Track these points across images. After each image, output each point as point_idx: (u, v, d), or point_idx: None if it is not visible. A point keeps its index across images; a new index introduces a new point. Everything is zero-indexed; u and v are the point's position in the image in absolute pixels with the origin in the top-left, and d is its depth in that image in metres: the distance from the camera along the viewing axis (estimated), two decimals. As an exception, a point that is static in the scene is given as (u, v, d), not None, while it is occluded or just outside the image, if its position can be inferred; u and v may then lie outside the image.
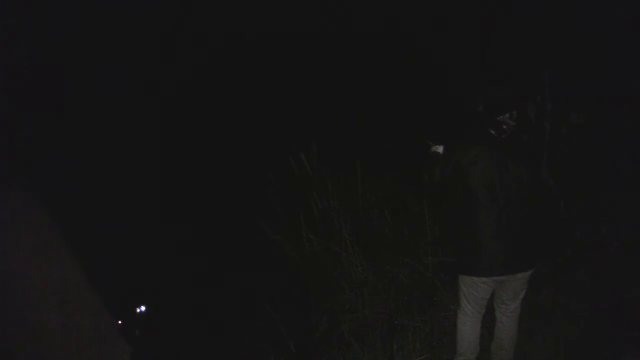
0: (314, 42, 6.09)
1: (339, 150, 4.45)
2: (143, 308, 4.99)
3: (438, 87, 4.92)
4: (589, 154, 3.79)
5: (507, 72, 3.96)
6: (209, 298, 4.53)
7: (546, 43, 4.34)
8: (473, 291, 2.69)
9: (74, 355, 1.34)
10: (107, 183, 5.45)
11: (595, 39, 3.99)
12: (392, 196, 4.40)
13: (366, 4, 6.05)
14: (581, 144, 3.79)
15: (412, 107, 5.01)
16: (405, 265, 3.93)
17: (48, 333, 1.30)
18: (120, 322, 4.69)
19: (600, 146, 3.81)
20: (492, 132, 2.51)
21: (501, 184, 2.50)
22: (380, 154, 4.64)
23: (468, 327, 2.80)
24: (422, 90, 5.12)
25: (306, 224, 4.31)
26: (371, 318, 3.62)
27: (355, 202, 4.38)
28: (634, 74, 3.76)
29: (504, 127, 2.49)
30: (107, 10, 5.87)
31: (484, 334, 2.91)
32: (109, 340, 1.43)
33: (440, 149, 2.82)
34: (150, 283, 4.95)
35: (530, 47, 4.38)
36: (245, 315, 4.17)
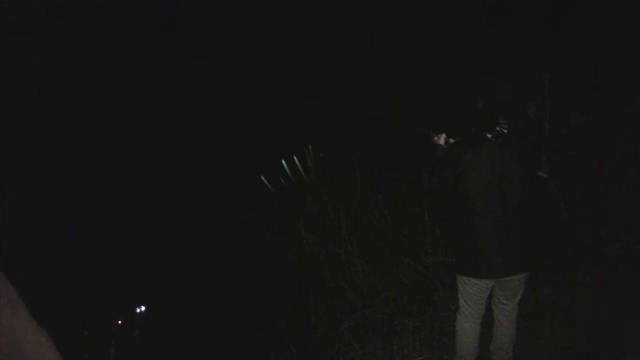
0: (311, 40, 6.07)
1: (338, 149, 4.45)
2: (143, 308, 4.98)
3: (438, 85, 4.90)
4: (589, 154, 3.79)
5: (507, 72, 3.95)
6: (209, 298, 4.53)
7: (546, 43, 4.34)
8: (471, 291, 2.69)
9: None
10: (104, 185, 5.45)
11: (596, 39, 3.99)
12: (392, 196, 4.39)
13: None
14: (581, 144, 3.79)
15: (413, 106, 4.99)
16: (405, 265, 3.93)
17: None
18: (120, 322, 4.70)
19: (600, 146, 3.80)
20: (489, 135, 2.51)
21: (499, 187, 2.51)
22: (380, 153, 4.64)
23: (467, 329, 2.79)
24: (422, 89, 5.10)
25: (306, 224, 4.31)
26: (371, 318, 3.62)
27: (355, 202, 4.37)
28: (634, 74, 3.76)
29: (498, 129, 2.49)
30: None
31: (483, 334, 2.91)
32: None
33: (441, 139, 2.81)
34: (149, 283, 4.95)
35: (531, 47, 4.37)
36: (245, 315, 4.16)
